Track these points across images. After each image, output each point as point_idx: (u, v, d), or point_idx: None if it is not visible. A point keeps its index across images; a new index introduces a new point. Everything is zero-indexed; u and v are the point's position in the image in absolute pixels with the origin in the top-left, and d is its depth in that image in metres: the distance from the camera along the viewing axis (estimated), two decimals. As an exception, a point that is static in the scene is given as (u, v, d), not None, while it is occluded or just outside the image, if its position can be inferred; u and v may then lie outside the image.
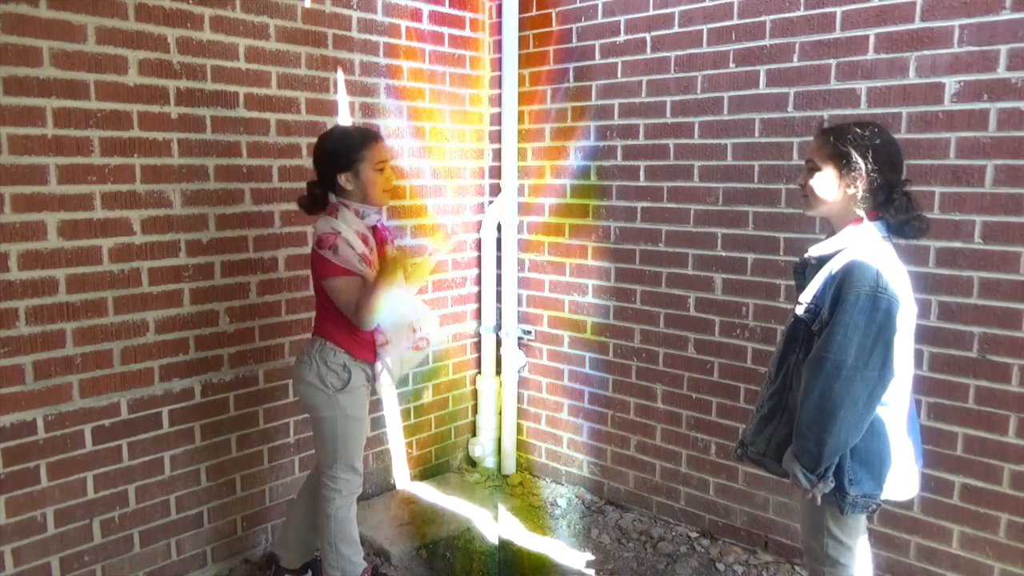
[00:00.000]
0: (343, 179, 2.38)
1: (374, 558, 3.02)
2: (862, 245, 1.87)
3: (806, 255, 2.01)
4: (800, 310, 1.94)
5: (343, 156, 2.37)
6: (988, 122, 2.40)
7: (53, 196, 2.39)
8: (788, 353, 2.00)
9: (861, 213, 1.91)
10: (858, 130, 1.87)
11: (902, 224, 1.90)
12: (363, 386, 2.51)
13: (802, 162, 2.09)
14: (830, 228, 2.02)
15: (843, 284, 1.82)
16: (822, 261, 1.94)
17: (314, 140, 2.95)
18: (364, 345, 2.47)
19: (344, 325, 2.43)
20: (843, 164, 1.87)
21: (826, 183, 1.91)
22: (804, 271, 2.05)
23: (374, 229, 2.49)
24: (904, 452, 1.95)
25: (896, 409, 1.92)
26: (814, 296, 1.91)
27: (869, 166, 1.84)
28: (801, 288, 2.05)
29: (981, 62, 2.40)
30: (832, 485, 1.87)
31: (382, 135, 2.52)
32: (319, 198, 2.43)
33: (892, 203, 1.88)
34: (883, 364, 1.81)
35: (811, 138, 2.02)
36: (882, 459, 1.90)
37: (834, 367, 1.80)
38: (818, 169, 1.93)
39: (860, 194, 1.88)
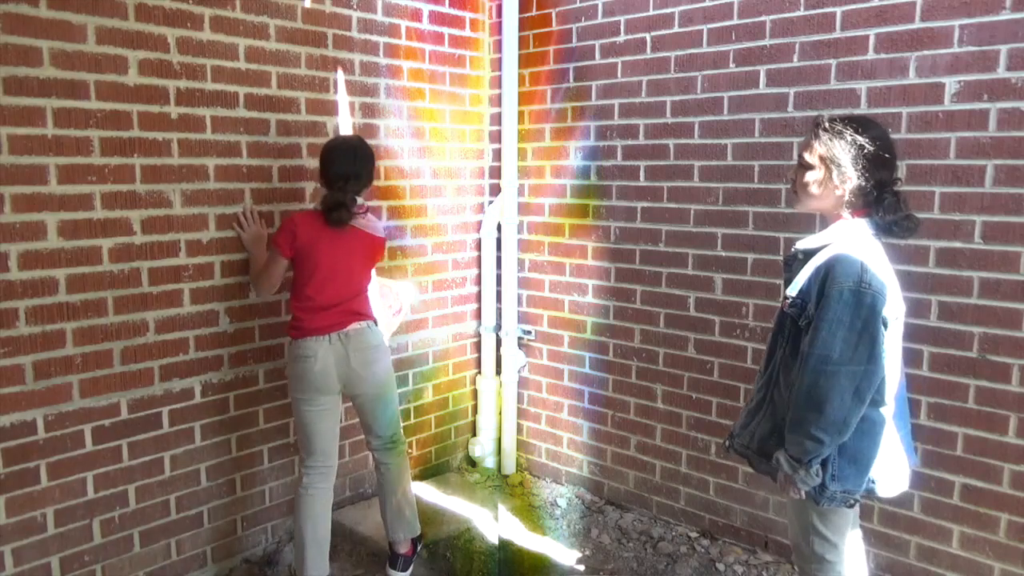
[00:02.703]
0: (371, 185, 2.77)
1: (373, 557, 3.02)
2: (848, 240, 1.87)
3: (794, 248, 2.02)
4: (786, 305, 1.95)
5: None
6: (988, 122, 2.40)
7: (53, 196, 2.39)
8: (775, 347, 2.00)
9: (850, 211, 1.91)
10: (851, 130, 1.86)
11: (891, 224, 1.89)
12: None
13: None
14: (824, 223, 2.03)
15: (827, 279, 1.83)
16: (808, 255, 1.95)
17: (314, 140, 2.99)
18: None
19: None
20: (834, 164, 1.87)
21: (816, 181, 1.91)
22: (792, 265, 2.06)
23: None
24: (893, 449, 1.95)
25: (887, 407, 1.92)
26: (800, 290, 1.91)
27: (860, 166, 1.84)
28: (788, 282, 2.06)
29: (981, 62, 2.40)
30: (818, 480, 1.87)
31: None
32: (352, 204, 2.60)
33: (882, 203, 1.88)
34: (869, 358, 1.80)
35: None
36: (869, 457, 1.90)
37: (820, 362, 1.80)
38: (809, 167, 1.92)
39: (848, 194, 1.88)
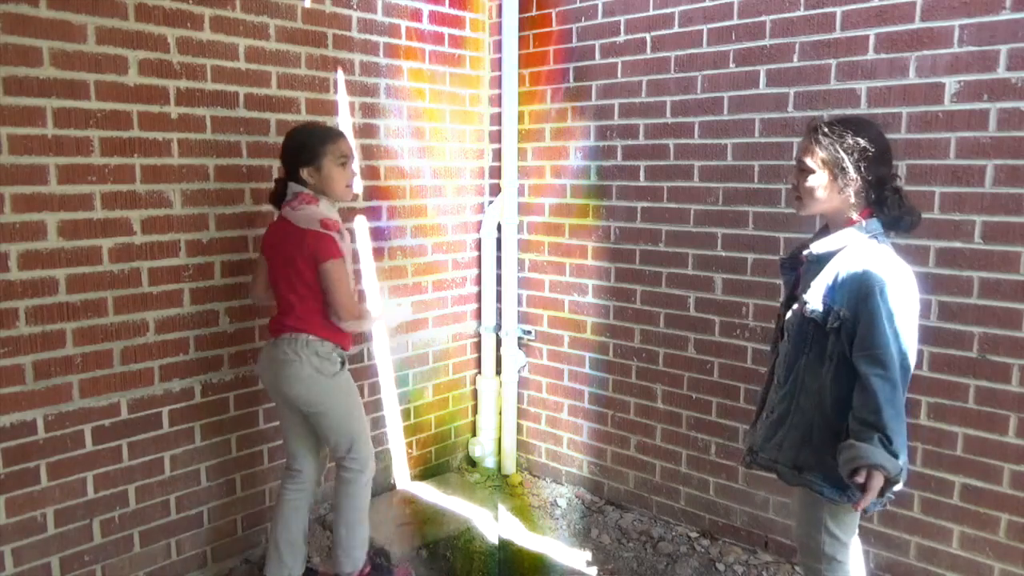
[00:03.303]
0: (305, 173, 2.46)
1: (374, 558, 3.01)
2: (865, 244, 1.89)
3: (805, 252, 2.01)
4: (808, 310, 1.93)
5: (306, 150, 2.46)
6: (988, 122, 2.40)
7: (53, 196, 2.39)
8: (799, 355, 1.97)
9: (856, 212, 1.92)
10: (851, 133, 1.87)
11: (896, 220, 1.91)
12: (347, 370, 2.60)
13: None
14: (823, 224, 2.03)
15: (863, 282, 1.83)
16: (821, 259, 1.95)
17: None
18: (344, 333, 2.55)
19: (326, 315, 2.48)
20: (835, 166, 1.87)
21: (819, 185, 1.91)
22: (792, 267, 2.05)
23: None
24: None
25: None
26: (823, 296, 1.91)
27: (862, 166, 1.85)
28: (788, 284, 2.05)
29: (981, 62, 2.39)
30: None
31: (344, 134, 2.59)
32: (283, 192, 2.52)
33: (885, 200, 1.89)
34: (905, 354, 1.82)
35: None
36: None
37: (889, 360, 1.78)
38: (810, 171, 1.92)
39: (853, 195, 1.89)
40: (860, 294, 1.82)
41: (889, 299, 1.80)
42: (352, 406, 2.59)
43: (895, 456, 1.74)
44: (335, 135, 2.52)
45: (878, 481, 1.74)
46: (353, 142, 3.18)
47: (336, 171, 2.47)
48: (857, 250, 1.88)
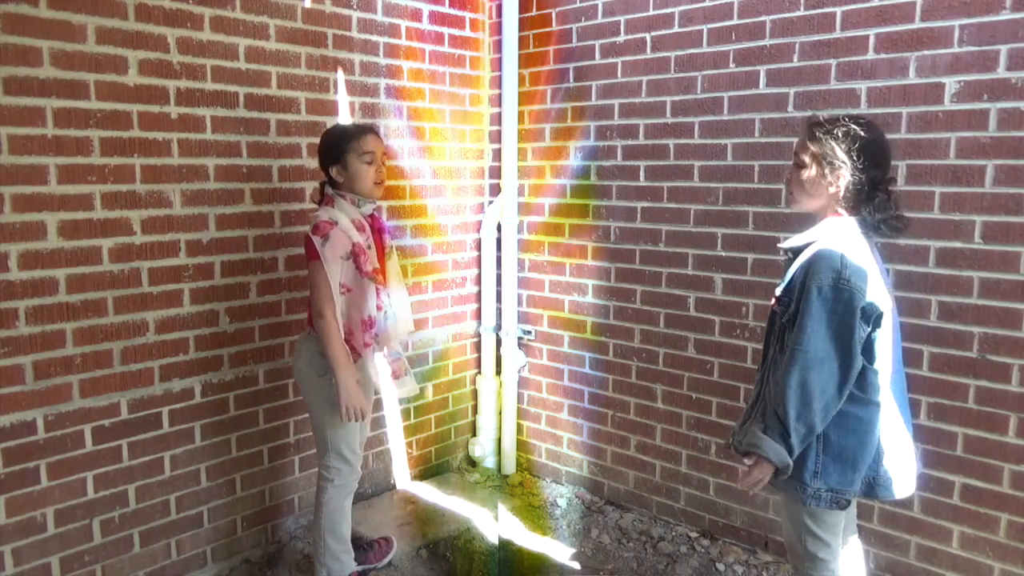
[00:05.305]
0: (334, 171, 2.50)
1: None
2: (833, 236, 1.88)
3: (779, 245, 2.03)
4: (774, 302, 1.96)
5: (332, 149, 2.50)
6: (988, 122, 2.40)
7: (53, 196, 2.39)
8: (769, 346, 2.02)
9: (842, 209, 1.92)
10: (844, 127, 1.86)
11: (879, 222, 1.90)
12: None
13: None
14: (815, 222, 2.04)
15: (807, 278, 1.84)
16: (796, 253, 1.95)
17: (314, 140, 2.97)
18: (350, 337, 2.51)
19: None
20: (827, 161, 1.88)
21: (810, 179, 1.92)
22: (785, 264, 2.07)
23: (372, 218, 2.59)
24: (904, 449, 1.95)
25: (887, 408, 1.92)
26: (786, 288, 1.93)
27: (854, 164, 1.85)
28: None
29: (981, 62, 2.39)
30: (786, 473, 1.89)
31: (375, 129, 2.56)
32: (323, 192, 2.55)
33: (872, 200, 1.88)
34: (844, 353, 1.82)
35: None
36: (856, 457, 1.90)
37: (804, 358, 1.81)
38: (804, 165, 1.93)
39: (842, 191, 1.89)
40: (804, 288, 1.84)
41: (829, 299, 1.80)
42: (333, 415, 2.49)
43: (790, 450, 1.84)
44: (359, 133, 2.50)
45: (763, 470, 1.89)
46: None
47: (361, 168, 2.48)
48: (821, 245, 1.87)
